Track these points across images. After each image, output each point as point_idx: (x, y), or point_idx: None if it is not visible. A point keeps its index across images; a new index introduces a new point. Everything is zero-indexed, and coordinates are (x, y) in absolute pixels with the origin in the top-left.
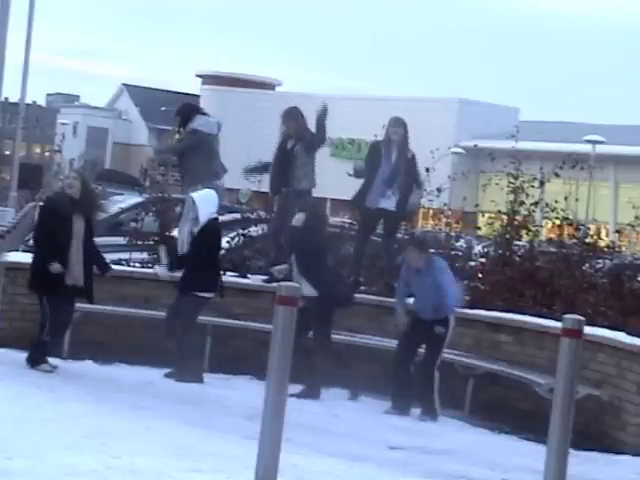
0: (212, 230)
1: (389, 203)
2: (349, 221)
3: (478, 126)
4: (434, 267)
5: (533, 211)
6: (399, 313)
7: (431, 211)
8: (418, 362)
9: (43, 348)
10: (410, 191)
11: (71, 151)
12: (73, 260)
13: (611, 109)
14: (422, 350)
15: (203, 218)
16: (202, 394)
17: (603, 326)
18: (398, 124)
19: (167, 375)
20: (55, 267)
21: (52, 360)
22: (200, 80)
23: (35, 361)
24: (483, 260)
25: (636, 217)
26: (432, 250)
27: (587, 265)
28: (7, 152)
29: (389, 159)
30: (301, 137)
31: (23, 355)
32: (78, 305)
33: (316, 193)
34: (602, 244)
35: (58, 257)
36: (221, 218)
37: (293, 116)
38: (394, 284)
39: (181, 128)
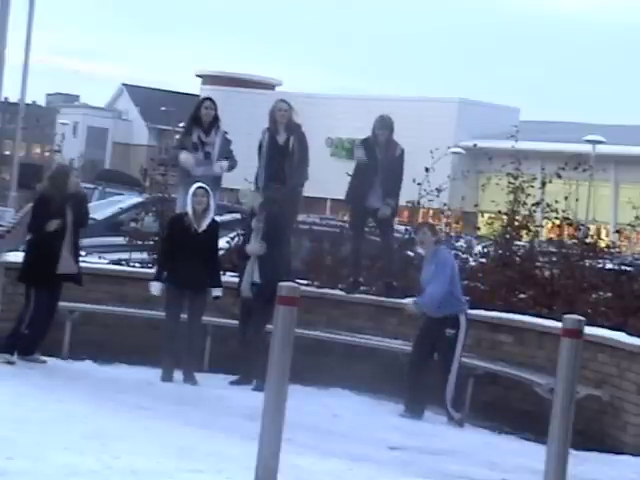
0: (216, 230)
1: (379, 202)
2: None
3: (478, 126)
4: (438, 257)
5: (534, 211)
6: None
7: (431, 211)
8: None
9: (19, 340)
10: (396, 188)
11: (71, 151)
12: (64, 252)
13: (611, 109)
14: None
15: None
16: (202, 394)
17: (603, 326)
18: (384, 126)
19: (187, 381)
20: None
21: (44, 357)
22: (200, 80)
23: (3, 349)
24: (483, 260)
25: (636, 217)
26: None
27: (587, 265)
28: (7, 152)
29: (377, 158)
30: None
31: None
32: (78, 305)
33: (316, 193)
34: (602, 244)
35: (52, 249)
36: (221, 218)
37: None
38: (394, 283)
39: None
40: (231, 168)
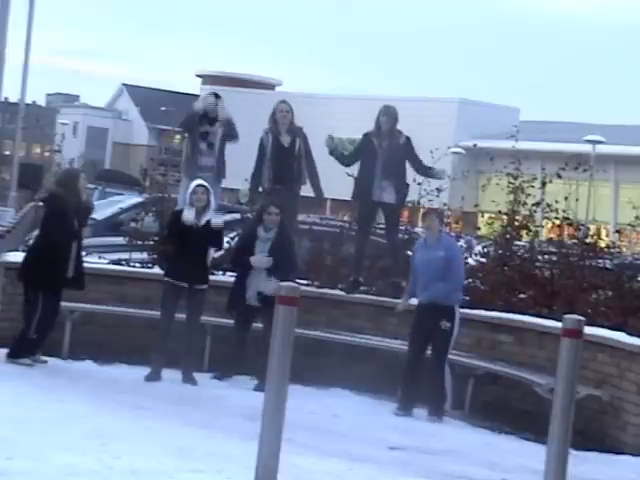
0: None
1: (387, 195)
2: (348, 220)
3: (478, 126)
4: (446, 243)
5: (534, 211)
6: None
7: None
8: (428, 361)
9: (28, 344)
10: (404, 179)
11: (71, 151)
12: (71, 256)
13: (611, 109)
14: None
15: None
16: (202, 394)
17: (603, 326)
18: (388, 114)
19: (186, 381)
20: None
21: (45, 357)
22: (200, 80)
23: (15, 355)
24: (483, 260)
25: (636, 217)
26: None
27: (587, 265)
28: (7, 152)
29: (382, 149)
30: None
31: None
32: (78, 305)
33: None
34: (602, 244)
35: (66, 254)
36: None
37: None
38: (401, 282)
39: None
40: (232, 137)
